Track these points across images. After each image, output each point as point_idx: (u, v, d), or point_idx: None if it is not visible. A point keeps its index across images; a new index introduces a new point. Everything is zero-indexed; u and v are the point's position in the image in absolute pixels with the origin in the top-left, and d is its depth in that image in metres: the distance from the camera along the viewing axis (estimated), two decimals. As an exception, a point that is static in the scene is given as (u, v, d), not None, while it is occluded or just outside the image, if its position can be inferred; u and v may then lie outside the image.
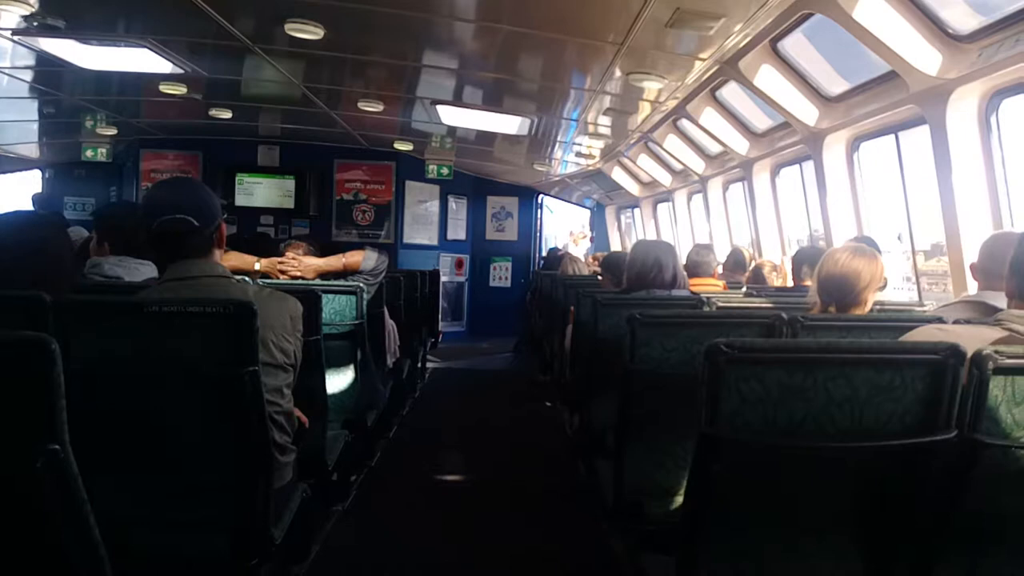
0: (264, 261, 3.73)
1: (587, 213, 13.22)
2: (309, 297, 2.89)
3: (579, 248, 11.95)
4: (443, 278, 10.58)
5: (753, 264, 6.32)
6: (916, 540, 1.71)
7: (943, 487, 1.63)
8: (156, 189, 2.50)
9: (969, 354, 1.56)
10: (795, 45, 4.72)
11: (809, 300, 2.86)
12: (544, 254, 11.69)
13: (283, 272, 3.73)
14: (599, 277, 6.25)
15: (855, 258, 2.70)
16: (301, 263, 3.77)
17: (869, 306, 2.74)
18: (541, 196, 12.18)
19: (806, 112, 5.02)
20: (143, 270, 3.03)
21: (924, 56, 3.69)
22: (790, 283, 5.22)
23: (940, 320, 2.38)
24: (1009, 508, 1.61)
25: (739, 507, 1.72)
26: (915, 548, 1.72)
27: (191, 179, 2.68)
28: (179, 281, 2.25)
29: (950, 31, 3.60)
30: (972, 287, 3.06)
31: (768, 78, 4.86)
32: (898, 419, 1.60)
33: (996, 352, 1.52)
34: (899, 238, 5.09)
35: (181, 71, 5.91)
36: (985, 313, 2.48)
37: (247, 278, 3.43)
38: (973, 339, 1.76)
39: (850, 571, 1.78)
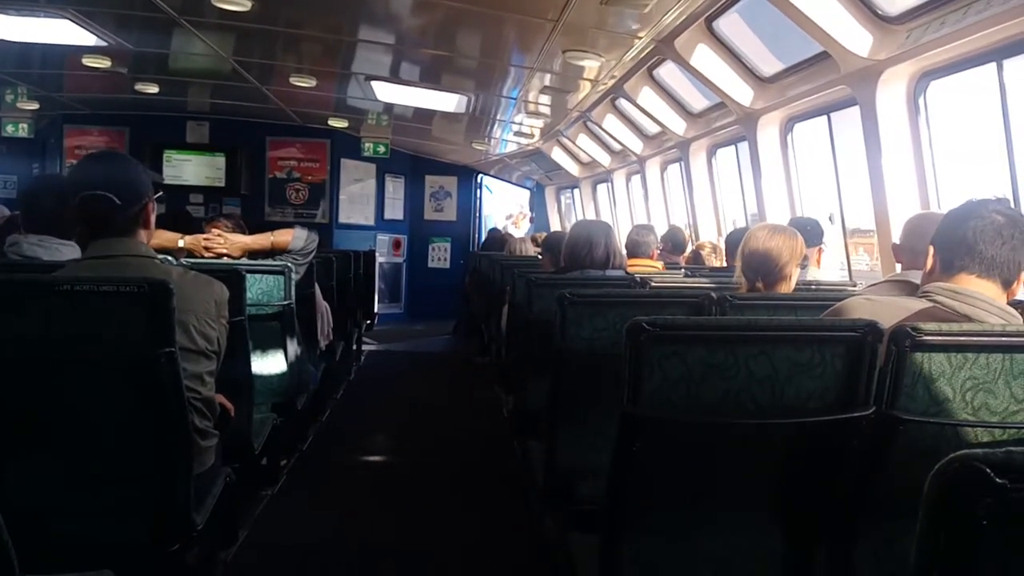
0: (188, 238, 3.60)
1: (527, 193, 13.19)
2: (232, 277, 2.80)
3: (520, 230, 11.94)
4: (380, 259, 10.44)
5: (691, 246, 6.38)
6: (835, 514, 1.73)
7: (862, 463, 1.65)
8: (81, 163, 2.40)
9: (887, 330, 1.57)
10: (730, 25, 4.74)
11: (736, 280, 2.89)
12: (484, 235, 11.62)
13: (208, 249, 3.61)
14: (539, 257, 6.25)
15: (774, 236, 2.76)
16: (227, 240, 3.66)
17: (793, 281, 2.79)
18: (480, 176, 12.08)
19: (741, 92, 5.06)
20: (64, 251, 2.90)
21: (855, 37, 3.73)
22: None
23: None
24: (924, 482, 1.62)
25: (661, 485, 1.72)
26: (834, 522, 1.74)
27: (118, 154, 2.58)
28: (99, 260, 2.17)
29: (880, 12, 3.64)
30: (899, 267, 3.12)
31: (704, 58, 4.88)
32: (818, 396, 1.61)
33: (913, 329, 1.53)
34: (830, 219, 5.17)
35: (105, 44, 5.70)
36: (911, 292, 2.52)
37: (171, 258, 3.32)
38: (899, 309, 1.78)
39: (770, 546, 1.79)
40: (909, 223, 2.93)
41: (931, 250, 1.92)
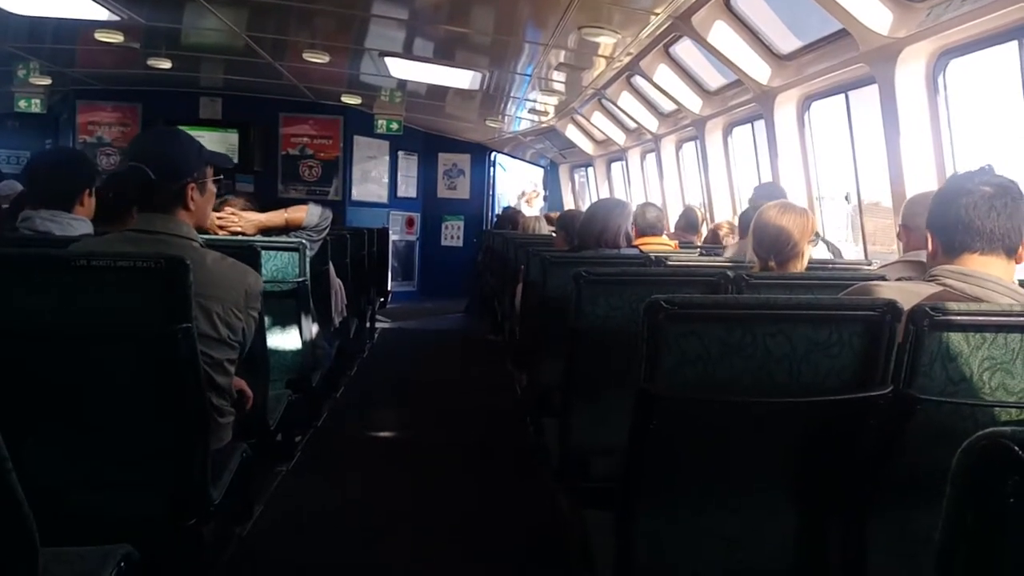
0: (201, 216, 3.59)
1: (541, 172, 13.14)
2: (247, 254, 2.80)
3: (532, 208, 11.90)
4: (393, 236, 10.45)
5: (706, 226, 6.35)
6: (850, 494, 1.73)
7: (878, 442, 1.65)
8: (138, 135, 2.41)
9: (905, 310, 1.57)
10: (748, 1, 4.69)
11: (748, 259, 2.89)
12: (498, 212, 11.59)
13: (222, 228, 3.60)
14: (553, 235, 6.23)
15: (784, 214, 2.76)
16: (241, 218, 3.65)
17: (806, 258, 2.78)
18: (494, 154, 12.05)
19: (758, 70, 5.01)
20: (76, 225, 2.91)
21: (875, 14, 3.69)
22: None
23: (881, 279, 2.41)
24: (941, 462, 1.61)
25: (677, 462, 1.72)
26: (849, 501, 1.74)
27: (169, 131, 2.52)
28: (139, 233, 2.18)
29: (900, -11, 3.60)
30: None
31: (721, 34, 4.83)
32: (835, 375, 1.61)
33: (932, 309, 1.52)
34: (847, 198, 5.14)
35: (117, 18, 5.69)
36: (923, 272, 2.51)
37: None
38: (910, 295, 1.77)
39: (785, 523, 1.79)
40: (910, 203, 2.93)
41: (929, 234, 1.92)
